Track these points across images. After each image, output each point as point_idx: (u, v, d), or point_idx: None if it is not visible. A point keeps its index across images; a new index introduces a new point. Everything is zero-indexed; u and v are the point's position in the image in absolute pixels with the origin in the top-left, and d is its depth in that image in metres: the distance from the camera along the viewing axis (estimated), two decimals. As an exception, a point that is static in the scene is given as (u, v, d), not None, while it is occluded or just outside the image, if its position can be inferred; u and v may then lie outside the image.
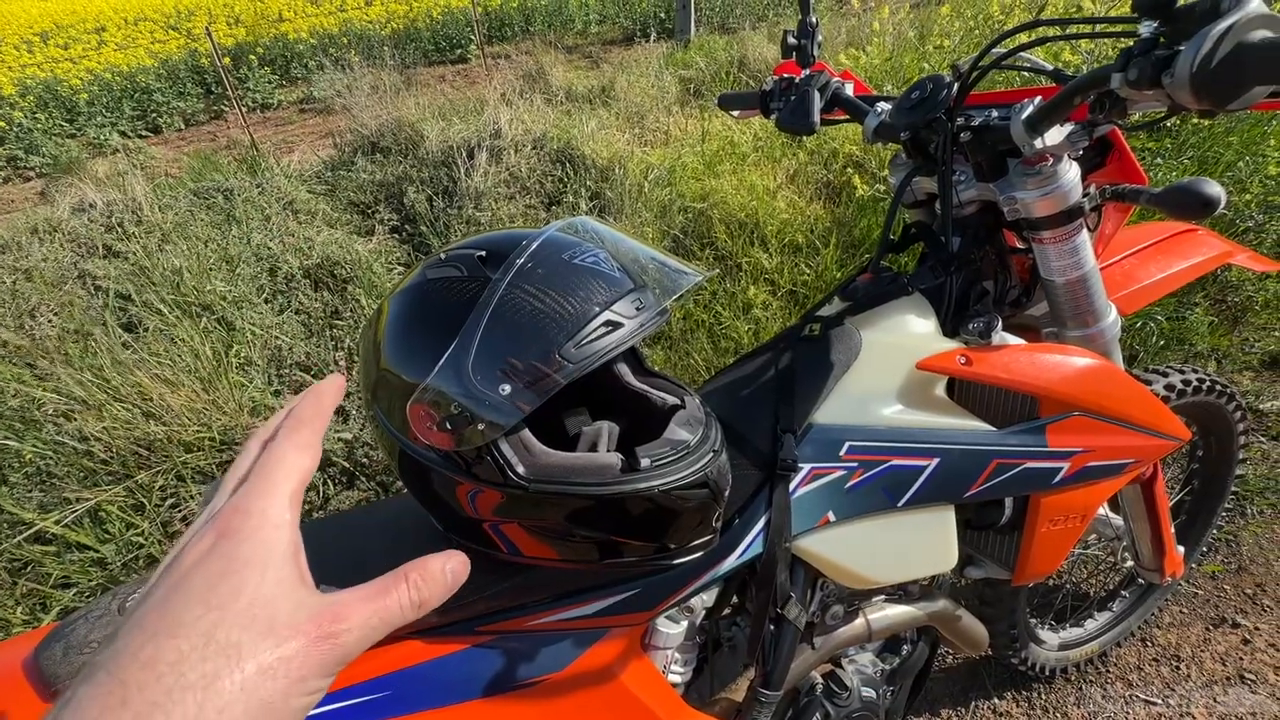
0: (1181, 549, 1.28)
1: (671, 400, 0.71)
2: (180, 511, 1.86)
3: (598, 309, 0.57)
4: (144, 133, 6.86)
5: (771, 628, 0.80)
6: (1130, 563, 1.33)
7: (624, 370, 0.73)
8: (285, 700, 0.25)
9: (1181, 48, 0.57)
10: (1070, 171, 0.80)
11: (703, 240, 2.98)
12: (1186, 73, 0.55)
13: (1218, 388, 1.26)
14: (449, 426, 0.56)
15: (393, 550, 0.71)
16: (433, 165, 3.65)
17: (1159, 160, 2.64)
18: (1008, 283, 0.96)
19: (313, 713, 0.59)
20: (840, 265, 2.65)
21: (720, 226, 2.96)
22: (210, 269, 2.76)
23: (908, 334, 0.86)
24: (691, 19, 6.29)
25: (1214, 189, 0.73)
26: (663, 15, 9.01)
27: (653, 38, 7.43)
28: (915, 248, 0.99)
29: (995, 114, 0.82)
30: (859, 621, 0.92)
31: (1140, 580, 1.48)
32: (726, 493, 0.66)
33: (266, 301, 2.67)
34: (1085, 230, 0.84)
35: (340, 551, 0.71)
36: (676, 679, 0.83)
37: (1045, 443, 0.83)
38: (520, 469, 0.58)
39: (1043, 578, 0.96)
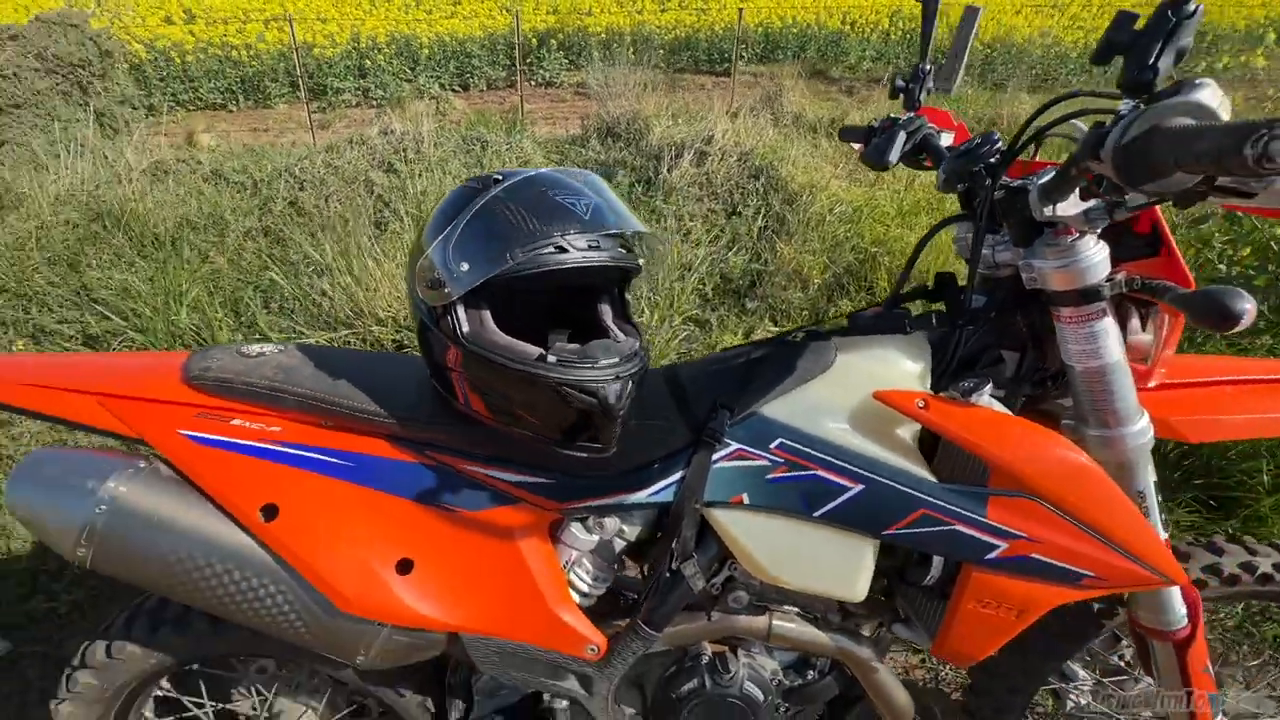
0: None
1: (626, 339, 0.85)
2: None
3: (556, 234, 0.73)
4: (455, 88, 8.44)
5: (668, 575, 0.90)
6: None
7: (605, 310, 0.88)
8: None
9: None
10: (1093, 250, 0.77)
11: (860, 283, 2.92)
12: (1111, 147, 0.55)
13: None
14: (429, 287, 0.77)
15: (395, 390, 0.92)
16: (646, 156, 4.02)
17: None
18: (1037, 361, 0.92)
19: (292, 451, 0.84)
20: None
21: (885, 274, 2.87)
22: (445, 197, 3.42)
23: (884, 366, 0.88)
24: (959, 69, 5.93)
25: (1242, 304, 0.66)
26: (944, 63, 8.58)
27: (919, 82, 7.10)
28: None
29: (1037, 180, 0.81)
30: (762, 620, 0.96)
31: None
32: (620, 414, 0.78)
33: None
34: (1109, 318, 0.79)
35: (359, 377, 0.90)
36: (582, 586, 0.96)
37: (984, 513, 0.81)
38: (465, 329, 0.77)
39: (965, 663, 0.91)
